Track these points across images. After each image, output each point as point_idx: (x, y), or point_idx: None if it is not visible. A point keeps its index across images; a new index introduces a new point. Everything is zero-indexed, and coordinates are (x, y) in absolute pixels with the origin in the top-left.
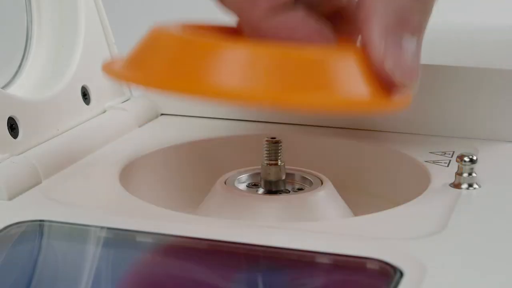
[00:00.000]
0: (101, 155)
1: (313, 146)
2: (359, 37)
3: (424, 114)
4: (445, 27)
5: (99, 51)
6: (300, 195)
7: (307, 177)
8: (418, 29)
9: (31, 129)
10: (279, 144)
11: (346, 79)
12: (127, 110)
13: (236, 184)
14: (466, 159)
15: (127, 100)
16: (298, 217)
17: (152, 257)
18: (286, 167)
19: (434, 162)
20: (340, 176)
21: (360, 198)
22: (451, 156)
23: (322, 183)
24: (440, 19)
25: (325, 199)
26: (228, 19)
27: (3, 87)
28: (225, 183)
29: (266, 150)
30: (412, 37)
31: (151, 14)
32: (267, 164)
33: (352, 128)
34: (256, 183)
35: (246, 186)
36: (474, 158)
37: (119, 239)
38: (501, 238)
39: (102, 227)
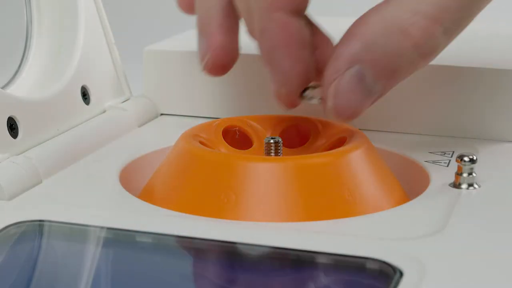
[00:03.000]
0: (101, 155)
1: None
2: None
3: (424, 114)
4: None
5: (99, 51)
6: None
7: None
8: (385, 80)
9: (31, 129)
10: (279, 144)
11: None
12: (127, 110)
13: None
14: (466, 159)
15: (127, 100)
16: None
17: (152, 257)
18: None
19: (433, 162)
20: None
21: None
22: (451, 156)
23: None
24: None
25: None
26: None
27: (3, 87)
28: None
29: (266, 149)
30: (374, 82)
31: (151, 14)
32: None
33: None
34: None
35: None
36: (474, 158)
37: (119, 239)
38: (501, 238)
39: (102, 227)
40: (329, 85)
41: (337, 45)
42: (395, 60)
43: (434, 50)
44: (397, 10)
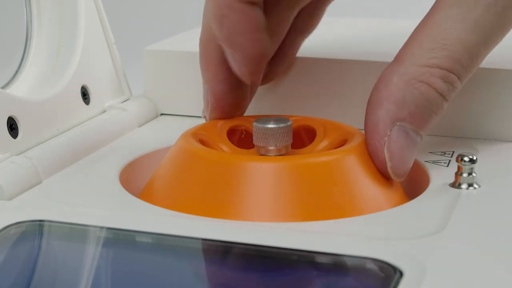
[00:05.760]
0: (101, 155)
1: None
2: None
3: None
4: None
5: (99, 51)
6: None
7: None
8: (425, 127)
9: (31, 129)
10: None
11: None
12: (127, 110)
13: None
14: (466, 159)
15: (127, 100)
16: None
17: (152, 257)
18: None
19: (433, 162)
20: None
21: None
22: (451, 156)
23: None
24: None
25: None
26: None
27: (3, 87)
28: None
29: None
30: (417, 133)
31: (151, 14)
32: None
33: None
34: None
35: None
36: (474, 158)
37: (119, 239)
38: (501, 238)
39: (102, 227)
40: (380, 151)
41: (367, 114)
42: (427, 108)
43: (454, 89)
44: (413, 67)
